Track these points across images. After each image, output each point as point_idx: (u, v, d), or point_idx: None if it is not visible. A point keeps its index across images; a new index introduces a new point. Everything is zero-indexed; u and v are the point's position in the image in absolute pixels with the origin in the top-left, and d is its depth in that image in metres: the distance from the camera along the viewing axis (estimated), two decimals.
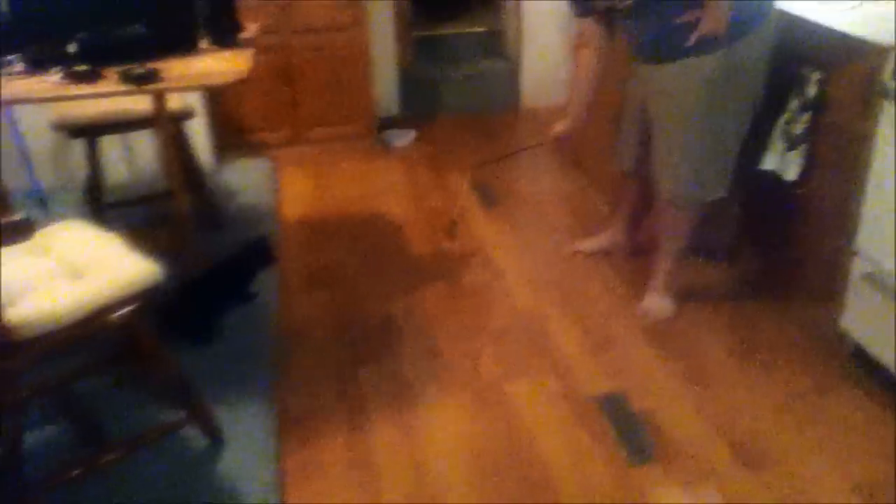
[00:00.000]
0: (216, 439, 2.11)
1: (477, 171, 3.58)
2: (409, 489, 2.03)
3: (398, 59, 4.50)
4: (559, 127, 2.76)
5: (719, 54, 2.28)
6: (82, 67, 2.22)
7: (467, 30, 5.12)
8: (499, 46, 4.90)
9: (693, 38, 2.26)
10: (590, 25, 2.51)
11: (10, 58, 2.29)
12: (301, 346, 2.62)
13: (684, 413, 2.27)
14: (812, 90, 2.36)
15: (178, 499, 1.97)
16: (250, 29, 2.61)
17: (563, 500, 1.99)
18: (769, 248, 2.77)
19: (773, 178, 2.52)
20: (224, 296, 2.70)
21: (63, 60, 2.24)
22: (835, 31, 2.29)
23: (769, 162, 2.54)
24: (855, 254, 2.29)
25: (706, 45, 2.27)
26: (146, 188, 3.37)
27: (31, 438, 1.88)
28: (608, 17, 2.46)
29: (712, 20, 2.23)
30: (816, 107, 2.36)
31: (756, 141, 2.51)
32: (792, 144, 2.45)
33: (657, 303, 2.70)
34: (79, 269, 1.86)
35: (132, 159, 3.63)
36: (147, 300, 1.85)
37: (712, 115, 2.38)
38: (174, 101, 2.72)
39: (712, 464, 2.08)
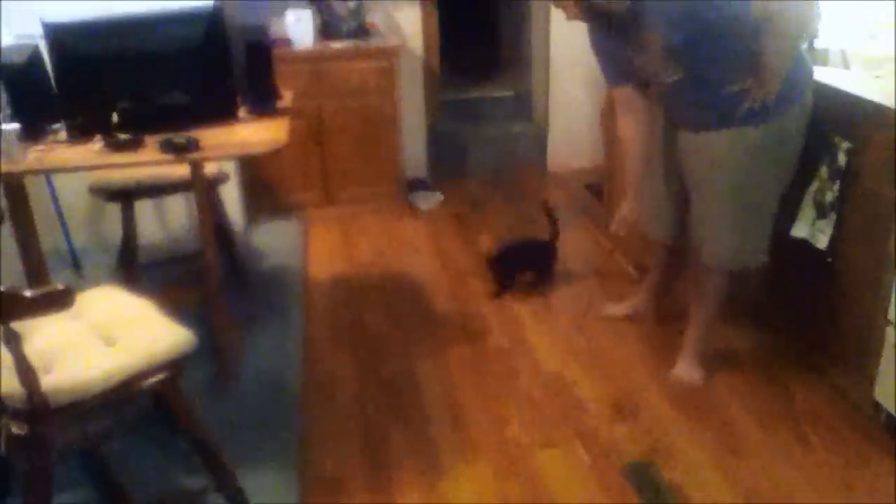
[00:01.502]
0: None
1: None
2: None
3: (427, 122, 4.58)
4: (626, 213, 2.62)
5: (763, 126, 2.29)
6: (124, 136, 2.28)
7: (495, 93, 5.20)
8: (526, 109, 4.97)
9: (745, 107, 2.26)
10: (629, 93, 2.48)
11: (55, 126, 2.37)
12: (326, 405, 2.61)
13: (713, 483, 2.22)
14: (842, 159, 2.36)
15: None
16: (286, 97, 2.68)
17: None
18: (800, 316, 2.73)
19: (804, 246, 2.51)
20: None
21: (106, 129, 2.31)
22: (863, 99, 2.31)
23: (800, 229, 2.53)
24: (890, 324, 2.25)
25: (753, 116, 2.27)
26: (177, 248, 3.43)
27: (56, 501, 1.87)
28: (647, 84, 2.43)
29: (764, 88, 2.22)
30: (846, 175, 2.36)
31: (787, 208, 2.51)
32: (822, 212, 2.45)
33: (688, 370, 2.67)
34: (112, 335, 1.89)
35: (164, 220, 3.69)
36: (180, 366, 1.86)
37: (756, 184, 2.38)
38: (210, 167, 2.78)
39: None
